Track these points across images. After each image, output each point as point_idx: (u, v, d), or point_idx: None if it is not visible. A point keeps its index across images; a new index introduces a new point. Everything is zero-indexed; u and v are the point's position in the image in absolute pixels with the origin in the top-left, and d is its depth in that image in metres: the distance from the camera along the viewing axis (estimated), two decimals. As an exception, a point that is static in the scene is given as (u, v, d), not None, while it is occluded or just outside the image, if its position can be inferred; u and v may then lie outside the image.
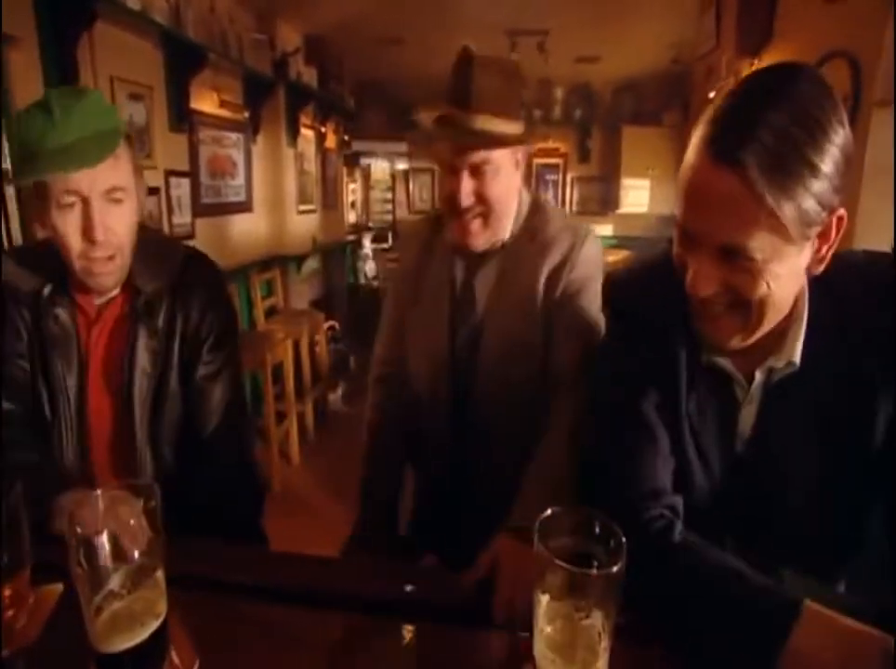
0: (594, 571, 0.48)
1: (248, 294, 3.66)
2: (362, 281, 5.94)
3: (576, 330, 0.97)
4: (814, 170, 0.54)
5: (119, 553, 0.53)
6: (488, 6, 3.42)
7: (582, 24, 3.79)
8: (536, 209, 1.05)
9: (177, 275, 1.00)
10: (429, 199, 6.63)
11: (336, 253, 5.25)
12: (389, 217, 6.79)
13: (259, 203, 3.85)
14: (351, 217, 6.16)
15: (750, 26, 2.43)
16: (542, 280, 0.99)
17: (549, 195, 6.19)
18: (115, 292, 0.99)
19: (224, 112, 3.30)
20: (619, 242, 6.06)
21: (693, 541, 0.64)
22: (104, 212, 0.88)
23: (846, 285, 0.66)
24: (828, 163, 0.54)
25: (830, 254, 0.61)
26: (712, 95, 2.90)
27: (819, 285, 0.66)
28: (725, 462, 0.73)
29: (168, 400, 0.99)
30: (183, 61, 2.80)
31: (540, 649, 0.52)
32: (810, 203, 0.55)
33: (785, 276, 0.60)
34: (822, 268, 0.63)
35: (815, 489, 0.69)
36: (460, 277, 1.06)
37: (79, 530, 0.52)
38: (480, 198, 0.95)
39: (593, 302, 0.97)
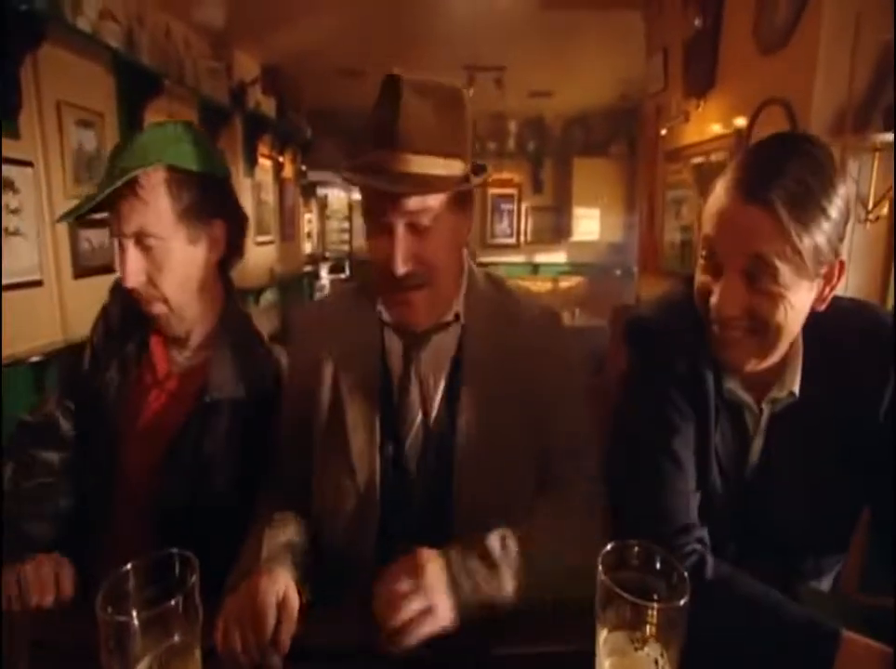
0: (656, 604, 0.47)
1: (205, 330, 3.45)
2: (320, 312, 5.78)
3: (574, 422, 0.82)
4: (826, 214, 0.64)
5: (153, 633, 0.47)
6: (448, 43, 3.52)
7: (536, 61, 3.98)
8: (490, 280, 0.89)
9: (254, 390, 0.90)
10: (386, 228, 6.58)
11: (293, 284, 5.09)
12: (346, 247, 6.72)
13: (216, 235, 3.67)
14: (307, 248, 6.04)
15: (695, 72, 2.62)
16: (520, 368, 0.81)
17: (505, 224, 6.35)
18: (193, 363, 0.93)
19: (179, 141, 3.15)
20: (572, 268, 6.29)
21: (727, 573, 0.65)
22: (136, 257, 0.83)
23: (834, 327, 0.74)
24: (835, 211, 0.64)
25: (832, 294, 0.70)
26: (664, 132, 3.08)
27: (809, 326, 0.73)
28: (737, 489, 0.77)
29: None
30: (137, 87, 2.67)
31: None
32: (822, 242, 0.64)
33: (797, 309, 0.67)
34: (824, 306, 0.71)
35: (813, 508, 0.75)
36: (397, 365, 0.82)
37: (110, 609, 0.46)
38: (421, 260, 0.75)
39: (580, 390, 0.84)
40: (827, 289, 0.70)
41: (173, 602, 0.47)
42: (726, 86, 2.43)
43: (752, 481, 0.77)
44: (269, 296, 4.44)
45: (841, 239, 0.67)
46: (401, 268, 0.73)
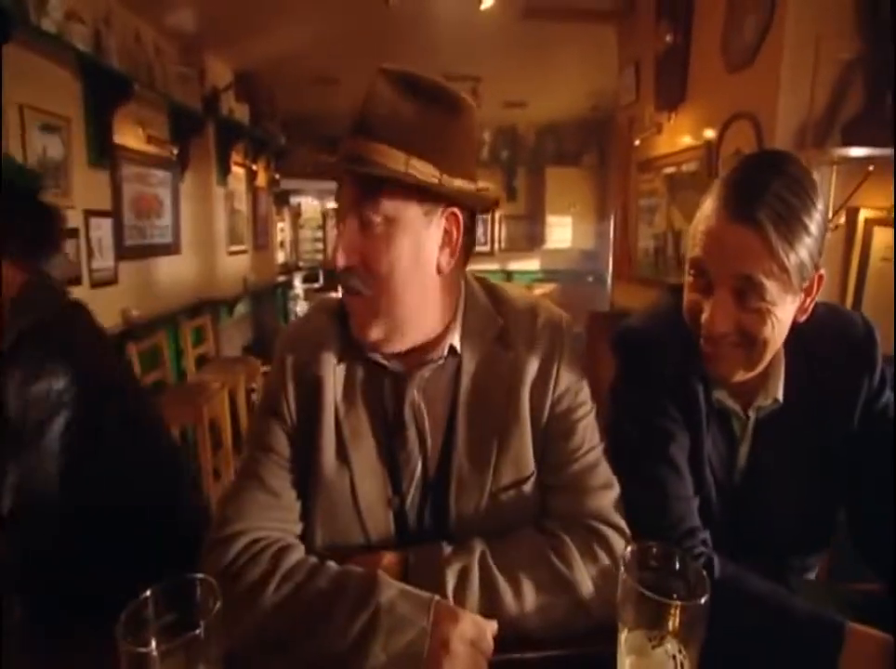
0: (679, 602, 0.48)
1: (177, 342, 3.33)
2: (294, 322, 5.73)
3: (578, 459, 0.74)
4: (808, 230, 0.67)
5: (176, 662, 0.45)
6: (426, 52, 3.54)
7: (511, 72, 4.05)
8: (495, 300, 0.79)
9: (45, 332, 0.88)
10: (361, 237, 6.54)
11: (266, 295, 5.00)
12: (320, 257, 6.64)
13: (188, 245, 3.57)
14: (280, 257, 5.94)
15: (666, 86, 2.71)
16: (525, 401, 0.73)
17: (479, 232, 6.38)
18: None
19: (150, 148, 3.05)
20: (546, 275, 6.39)
21: (734, 572, 0.67)
22: None
23: (812, 335, 0.77)
24: (815, 226, 0.67)
25: (812, 305, 0.74)
26: (637, 143, 3.17)
27: (790, 334, 0.76)
28: (728, 493, 0.80)
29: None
30: (105, 92, 2.56)
31: None
32: (805, 257, 0.67)
33: (783, 322, 0.71)
34: (805, 317, 0.74)
35: (798, 509, 0.79)
36: (390, 401, 0.75)
37: (130, 639, 0.44)
38: (364, 263, 0.68)
39: (589, 413, 0.77)
40: (808, 300, 0.73)
41: (198, 631, 0.44)
42: (696, 101, 2.52)
43: (740, 485, 0.81)
44: (242, 308, 4.35)
45: (821, 253, 0.69)
46: (340, 260, 0.68)
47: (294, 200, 6.18)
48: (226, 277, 3.92)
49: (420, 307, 0.72)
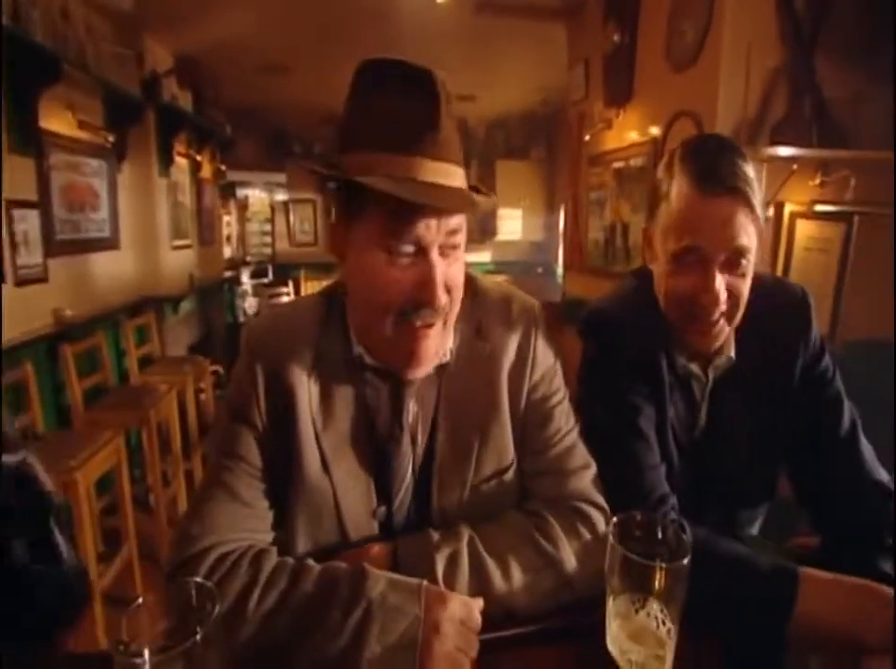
0: (664, 564, 0.51)
1: (118, 343, 3.14)
2: (242, 319, 5.55)
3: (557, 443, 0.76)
4: (755, 188, 0.75)
5: None
6: (379, 42, 3.49)
7: (462, 65, 4.06)
8: (470, 291, 0.77)
9: None
10: (311, 231, 6.40)
11: (213, 291, 4.78)
12: (269, 251, 6.42)
13: (127, 240, 3.34)
14: (227, 252, 5.70)
15: (615, 84, 2.82)
16: (503, 391, 0.75)
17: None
18: None
19: (82, 135, 2.82)
20: (497, 267, 6.49)
21: (703, 535, 0.71)
22: None
23: (761, 302, 0.83)
24: (759, 187, 0.76)
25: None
26: (587, 137, 3.27)
27: None
28: (689, 451, 0.86)
29: None
30: (26, 70, 2.31)
31: (610, 642, 0.55)
32: (761, 212, 0.76)
33: (750, 278, 0.78)
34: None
35: (749, 463, 0.87)
36: (385, 409, 0.73)
37: (121, 648, 0.43)
38: (449, 289, 0.66)
39: (563, 398, 0.79)
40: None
41: (198, 637, 0.43)
42: (643, 98, 2.63)
43: (700, 444, 0.87)
44: (187, 305, 4.14)
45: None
46: (443, 298, 0.64)
47: (241, 192, 5.94)
48: (170, 273, 3.72)
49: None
